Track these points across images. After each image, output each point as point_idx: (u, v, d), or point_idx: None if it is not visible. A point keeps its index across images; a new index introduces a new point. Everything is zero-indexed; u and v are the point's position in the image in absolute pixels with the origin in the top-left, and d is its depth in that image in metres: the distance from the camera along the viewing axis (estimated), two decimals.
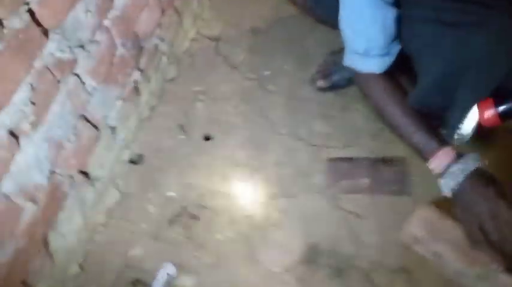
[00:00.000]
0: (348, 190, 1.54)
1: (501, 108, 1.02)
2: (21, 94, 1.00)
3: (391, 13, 1.14)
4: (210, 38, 1.86)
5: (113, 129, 1.44)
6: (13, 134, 1.00)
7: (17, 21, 0.95)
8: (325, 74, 1.72)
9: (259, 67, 1.81)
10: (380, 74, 1.22)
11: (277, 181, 1.56)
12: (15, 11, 0.93)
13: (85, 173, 1.35)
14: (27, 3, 0.96)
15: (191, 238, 1.47)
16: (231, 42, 1.86)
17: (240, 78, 1.79)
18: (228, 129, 1.67)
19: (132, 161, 1.57)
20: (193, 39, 1.84)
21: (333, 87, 1.73)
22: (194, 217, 1.51)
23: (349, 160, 1.59)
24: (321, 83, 1.73)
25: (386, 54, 1.20)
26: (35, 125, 1.07)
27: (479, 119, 1.05)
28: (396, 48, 1.21)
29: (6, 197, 1.00)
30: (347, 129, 1.66)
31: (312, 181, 1.56)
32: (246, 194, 1.55)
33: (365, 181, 1.54)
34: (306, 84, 1.76)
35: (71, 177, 1.28)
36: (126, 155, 1.56)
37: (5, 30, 0.91)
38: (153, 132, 1.65)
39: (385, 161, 1.58)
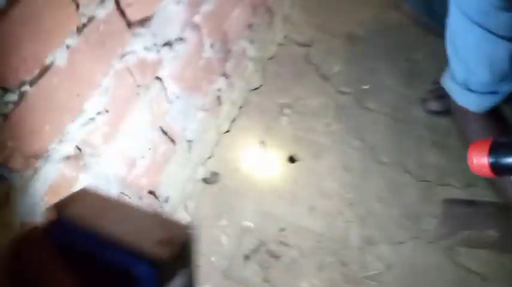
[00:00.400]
0: (469, 242, 1.22)
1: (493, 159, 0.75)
2: (95, 100, 0.81)
3: (503, 49, 0.88)
4: (299, 44, 1.61)
5: (190, 143, 1.23)
6: (80, 149, 0.81)
7: (99, 10, 0.75)
8: (439, 95, 1.41)
9: (356, 80, 1.53)
10: (481, 113, 1.03)
11: (377, 222, 1.28)
12: None
13: (154, 193, 1.14)
14: None
15: (269, 281, 1.22)
16: (324, 49, 1.60)
17: (333, 91, 1.52)
18: (317, 151, 1.41)
19: (206, 181, 1.35)
20: (280, 45, 1.60)
21: (449, 112, 1.41)
22: (274, 255, 1.25)
23: (471, 203, 1.27)
24: (434, 105, 1.42)
25: (491, 92, 0.98)
26: (107, 137, 0.87)
27: (468, 162, 0.82)
28: (507, 88, 0.95)
29: None
30: (465, 164, 1.33)
31: (422, 226, 1.26)
32: (337, 234, 1.27)
33: (491, 234, 1.21)
34: (415, 104, 1.45)
35: (140, 198, 1.07)
36: (200, 173, 1.34)
37: (82, 19, 0.71)
38: (231, 148, 1.42)
39: None
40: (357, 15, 1.68)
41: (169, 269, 0.24)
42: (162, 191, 1.18)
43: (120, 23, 0.82)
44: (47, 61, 0.67)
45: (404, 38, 1.60)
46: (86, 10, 0.72)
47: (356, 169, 1.36)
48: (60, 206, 0.26)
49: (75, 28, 0.70)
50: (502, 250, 1.21)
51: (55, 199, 0.26)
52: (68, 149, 0.77)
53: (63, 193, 0.29)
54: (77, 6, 0.69)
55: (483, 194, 1.28)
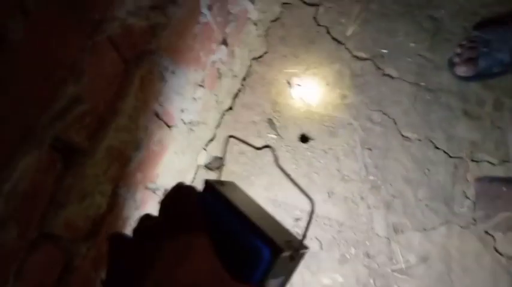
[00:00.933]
0: (508, 226, 1.09)
1: None
2: (69, 88, 0.61)
3: None
4: (307, 3, 1.39)
5: (188, 125, 1.05)
6: (57, 149, 0.62)
7: None
8: (469, 58, 1.23)
9: (374, 43, 1.34)
10: None
11: (404, 207, 1.13)
12: None
13: (150, 188, 0.97)
14: None
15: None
16: (335, 8, 1.39)
17: (348, 57, 1.33)
18: (332, 127, 1.24)
19: (209, 167, 1.18)
20: (285, 4, 1.38)
21: (481, 76, 1.23)
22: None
23: (508, 181, 1.13)
24: (463, 69, 1.24)
25: None
26: (90, 134, 0.68)
27: None
28: None
29: None
30: (502, 136, 1.19)
31: (455, 209, 1.12)
32: (360, 222, 1.13)
33: None
34: (441, 69, 1.28)
35: (134, 197, 0.90)
36: (202, 159, 1.16)
37: None
38: (235, 128, 1.24)
39: None
40: None
41: (281, 267, 0.29)
42: (160, 184, 1.01)
43: None
44: None
45: None
46: None
47: (378, 147, 1.20)
48: (214, 182, 0.35)
49: None
50: None
51: None
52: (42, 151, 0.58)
53: None
54: None
55: None
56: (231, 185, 0.37)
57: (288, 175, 0.35)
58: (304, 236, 0.31)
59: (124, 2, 0.66)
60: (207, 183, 0.35)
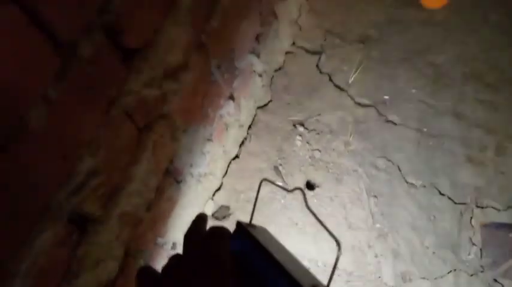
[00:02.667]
0: None
1: None
2: (86, 160, 0.63)
3: None
4: (309, 51, 1.44)
5: (196, 178, 1.06)
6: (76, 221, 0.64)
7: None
8: None
9: (376, 89, 1.37)
10: None
11: (412, 255, 1.13)
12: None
13: (159, 243, 0.98)
14: None
15: None
16: (336, 56, 1.43)
17: (351, 104, 1.36)
18: (337, 174, 1.25)
19: (216, 216, 1.19)
20: (288, 53, 1.43)
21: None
22: None
23: None
24: None
25: None
26: (105, 201, 0.70)
27: None
28: None
29: None
30: (506, 181, 1.20)
31: (462, 256, 1.12)
32: (368, 271, 1.13)
33: None
34: (443, 115, 1.30)
35: (143, 255, 0.91)
36: (209, 208, 1.17)
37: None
38: (241, 177, 1.25)
39: None
40: (370, 15, 1.51)
41: None
42: (169, 238, 1.01)
43: (113, 58, 0.64)
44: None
45: (425, 38, 1.44)
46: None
47: (383, 194, 1.22)
48: (246, 225, 0.37)
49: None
50: None
51: None
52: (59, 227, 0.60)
53: None
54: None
55: None
56: (262, 229, 0.39)
57: (317, 218, 0.35)
58: (330, 279, 0.31)
59: (139, 76, 0.69)
60: (239, 225, 0.37)
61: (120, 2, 0.60)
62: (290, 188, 1.24)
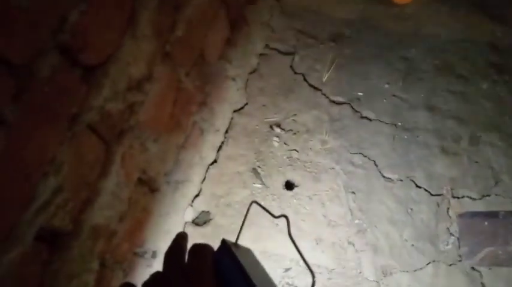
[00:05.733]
0: (493, 261, 1.11)
1: None
2: (49, 179, 0.64)
3: None
4: (283, 53, 1.45)
5: (173, 185, 1.07)
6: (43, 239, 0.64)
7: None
8: None
9: (349, 87, 1.39)
10: None
11: (391, 248, 1.15)
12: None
13: (138, 253, 0.99)
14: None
15: None
16: (310, 56, 1.45)
17: (326, 102, 1.38)
18: (315, 173, 1.27)
19: (196, 222, 1.20)
20: (262, 55, 1.44)
21: None
22: None
23: (490, 215, 1.16)
24: None
25: None
26: (74, 217, 0.71)
27: None
28: None
29: None
30: (480, 170, 1.23)
31: (440, 246, 1.14)
32: (349, 266, 1.14)
33: None
34: (416, 108, 1.33)
35: (122, 266, 0.92)
36: (189, 215, 1.18)
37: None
38: (220, 182, 1.26)
39: None
40: (341, 14, 1.53)
41: None
42: (148, 247, 1.02)
43: (71, 76, 0.65)
44: None
45: (395, 33, 1.46)
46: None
47: (361, 190, 1.23)
48: (231, 244, 0.38)
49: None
50: None
51: None
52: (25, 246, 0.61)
53: None
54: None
55: (502, 203, 1.17)
56: (246, 249, 0.40)
57: (296, 246, 0.37)
58: None
59: (101, 91, 0.70)
60: (224, 243, 0.38)
61: (75, 21, 0.61)
62: (271, 188, 1.25)
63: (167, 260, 0.37)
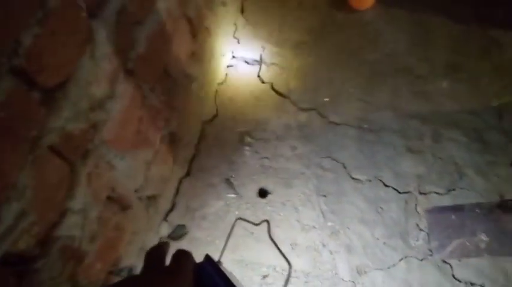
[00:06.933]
0: (462, 252, 1.15)
1: None
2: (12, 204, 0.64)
3: None
4: (249, 63, 1.48)
5: (145, 201, 1.07)
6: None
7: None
8: None
9: (315, 93, 1.43)
10: None
11: (365, 248, 1.18)
12: None
13: (113, 272, 0.98)
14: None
15: None
16: (276, 64, 1.48)
17: (293, 110, 1.41)
18: (287, 179, 1.29)
19: (172, 237, 1.20)
20: (230, 66, 1.46)
21: None
22: None
23: (456, 208, 1.20)
24: None
25: None
26: (39, 241, 0.70)
27: None
28: None
29: None
30: (444, 166, 1.27)
31: (411, 242, 1.18)
32: (325, 269, 1.16)
33: (483, 238, 1.16)
34: (380, 110, 1.37)
35: (94, 285, 0.91)
36: (165, 230, 1.18)
37: None
38: (194, 194, 1.27)
39: (505, 206, 1.19)
40: (304, 22, 1.57)
41: None
42: (123, 264, 1.02)
43: (28, 99, 0.65)
44: None
45: (357, 38, 1.52)
46: None
47: (331, 192, 1.26)
48: (210, 259, 0.41)
49: None
50: (496, 253, 1.15)
51: None
52: None
53: None
54: None
55: (467, 196, 1.22)
56: (227, 271, 0.43)
57: (277, 246, 0.43)
58: None
59: (61, 113, 0.70)
60: (208, 257, 0.42)
61: (29, 44, 0.62)
62: (244, 197, 1.26)
63: (148, 259, 0.39)
